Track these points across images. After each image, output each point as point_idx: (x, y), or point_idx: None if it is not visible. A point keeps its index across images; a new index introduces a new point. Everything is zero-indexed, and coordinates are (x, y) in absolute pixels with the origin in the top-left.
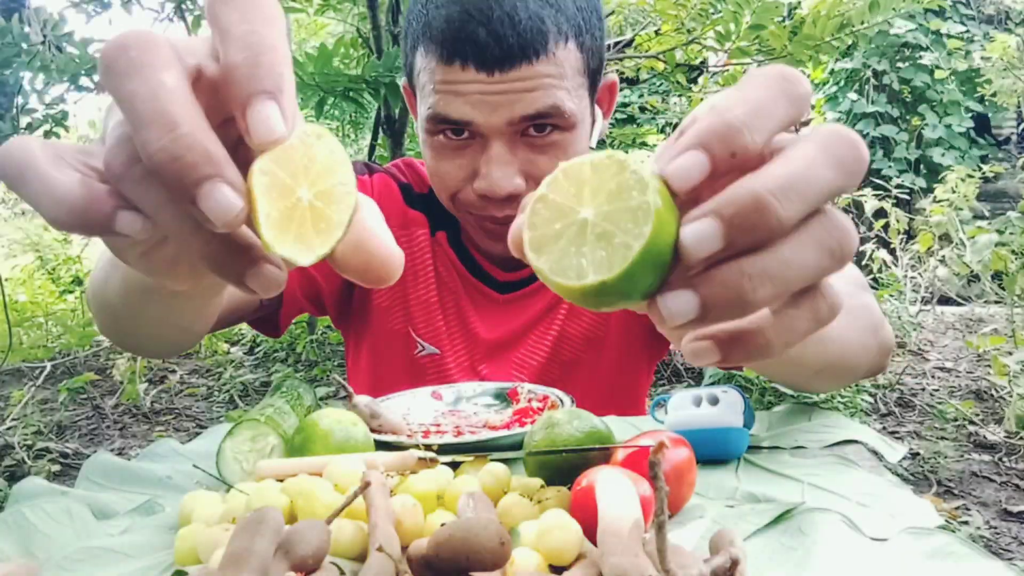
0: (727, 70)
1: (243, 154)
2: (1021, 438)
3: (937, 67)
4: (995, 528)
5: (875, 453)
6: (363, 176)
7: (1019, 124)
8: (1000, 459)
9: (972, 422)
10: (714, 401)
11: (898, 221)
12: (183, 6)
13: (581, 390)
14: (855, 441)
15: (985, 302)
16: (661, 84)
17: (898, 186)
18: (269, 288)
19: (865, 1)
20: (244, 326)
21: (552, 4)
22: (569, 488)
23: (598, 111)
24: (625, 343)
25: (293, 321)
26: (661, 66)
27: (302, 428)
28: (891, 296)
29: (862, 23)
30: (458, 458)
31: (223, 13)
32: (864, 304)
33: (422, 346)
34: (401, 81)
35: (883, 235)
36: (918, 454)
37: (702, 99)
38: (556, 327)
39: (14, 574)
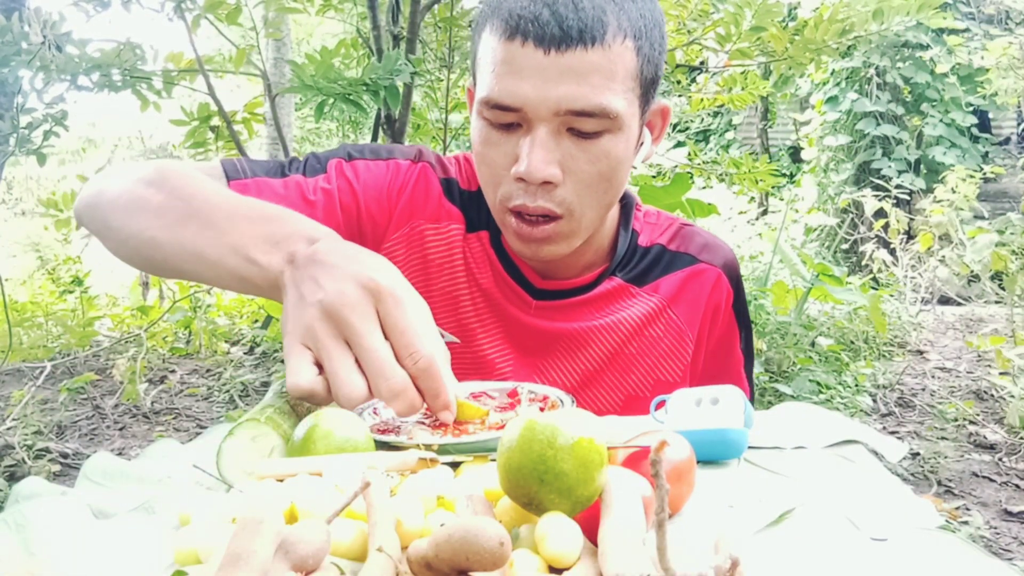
0: (727, 71)
1: None
2: (1022, 438)
3: (936, 63)
4: (995, 528)
5: (875, 453)
6: (406, 160)
7: (1019, 124)
8: (1000, 459)
9: (972, 422)
10: (714, 401)
11: (898, 221)
12: (183, 6)
13: (598, 405)
14: (855, 441)
15: (985, 302)
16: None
17: (898, 186)
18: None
19: (868, 8)
20: (244, 328)
21: (617, 2)
22: None
23: (647, 133)
24: (655, 370)
25: None
26: None
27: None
28: (891, 296)
29: (864, 30)
30: (458, 458)
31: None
32: None
33: (442, 333)
34: (466, 83)
35: (883, 235)
36: (918, 454)
37: (702, 100)
38: (583, 341)
39: (14, 574)
